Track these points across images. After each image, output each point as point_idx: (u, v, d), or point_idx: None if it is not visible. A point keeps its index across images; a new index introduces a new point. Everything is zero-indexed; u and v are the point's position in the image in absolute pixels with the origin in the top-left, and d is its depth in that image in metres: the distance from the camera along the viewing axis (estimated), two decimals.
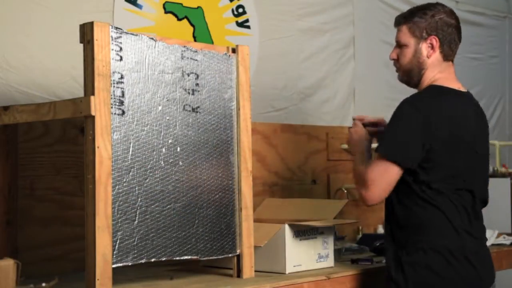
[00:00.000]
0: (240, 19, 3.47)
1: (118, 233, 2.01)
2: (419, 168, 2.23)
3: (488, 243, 3.20)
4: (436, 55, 2.35)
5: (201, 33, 3.29)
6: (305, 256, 2.49)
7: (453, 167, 2.25)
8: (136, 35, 2.13)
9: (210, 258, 2.29)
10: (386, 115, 2.45)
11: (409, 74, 2.39)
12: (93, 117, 1.97)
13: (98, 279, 1.94)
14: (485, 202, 2.39)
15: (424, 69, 2.36)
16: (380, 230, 3.49)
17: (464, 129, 2.29)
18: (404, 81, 2.44)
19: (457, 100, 2.32)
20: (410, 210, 2.28)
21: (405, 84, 2.45)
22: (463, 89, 2.39)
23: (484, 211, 2.41)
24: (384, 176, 2.23)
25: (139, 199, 2.08)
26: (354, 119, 2.53)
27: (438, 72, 2.36)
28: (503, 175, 4.74)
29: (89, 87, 2.00)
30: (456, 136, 2.25)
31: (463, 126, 2.29)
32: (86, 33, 2.00)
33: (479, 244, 2.33)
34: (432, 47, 2.34)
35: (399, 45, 2.40)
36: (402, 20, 2.40)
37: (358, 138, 2.43)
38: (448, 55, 2.37)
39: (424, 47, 2.35)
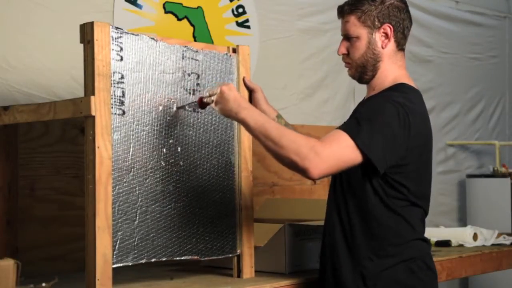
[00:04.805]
0: (240, 19, 3.47)
1: (118, 233, 2.01)
2: (398, 177, 2.05)
3: (488, 243, 3.21)
4: (391, 44, 2.14)
5: (201, 33, 3.29)
6: (305, 256, 2.49)
7: (425, 181, 2.14)
8: (137, 35, 2.12)
9: (210, 258, 2.28)
10: None
11: (363, 69, 2.15)
12: (93, 117, 1.96)
13: (98, 279, 1.94)
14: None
15: (379, 61, 2.14)
16: None
17: (431, 140, 2.17)
18: (356, 77, 2.19)
19: (424, 105, 2.16)
20: (393, 216, 2.07)
21: (357, 81, 2.21)
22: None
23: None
24: (345, 158, 1.96)
25: (140, 199, 2.08)
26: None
27: (398, 67, 2.16)
28: (503, 175, 4.74)
29: (89, 87, 1.99)
30: (429, 149, 2.15)
31: (430, 136, 2.16)
32: (86, 33, 2.00)
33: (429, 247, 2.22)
34: (387, 36, 2.12)
35: (348, 38, 2.15)
36: (348, 9, 2.14)
37: (234, 98, 2.06)
38: (401, 44, 2.16)
39: (378, 37, 2.12)
